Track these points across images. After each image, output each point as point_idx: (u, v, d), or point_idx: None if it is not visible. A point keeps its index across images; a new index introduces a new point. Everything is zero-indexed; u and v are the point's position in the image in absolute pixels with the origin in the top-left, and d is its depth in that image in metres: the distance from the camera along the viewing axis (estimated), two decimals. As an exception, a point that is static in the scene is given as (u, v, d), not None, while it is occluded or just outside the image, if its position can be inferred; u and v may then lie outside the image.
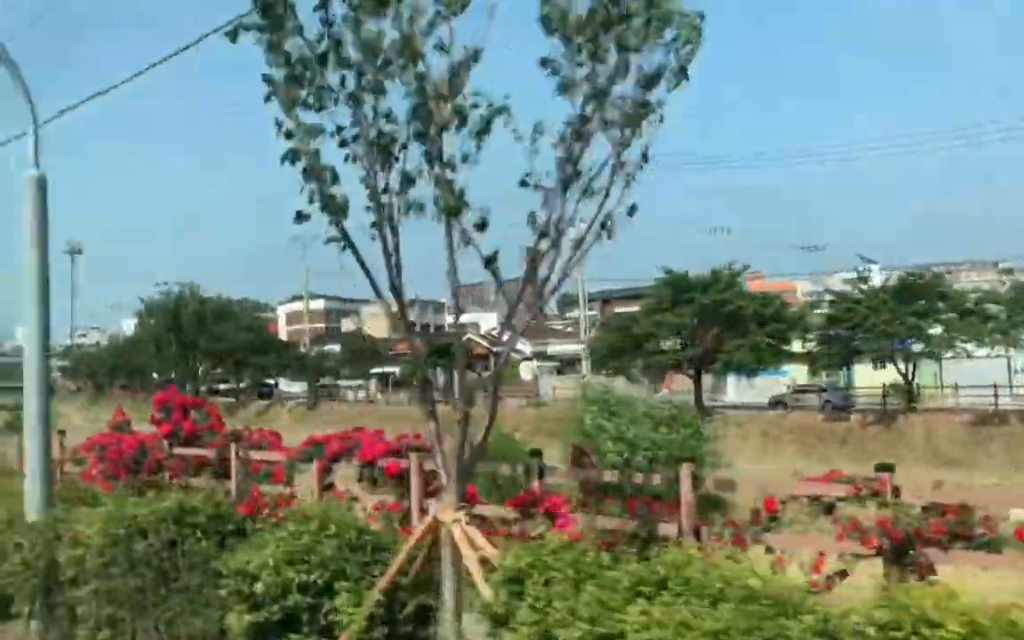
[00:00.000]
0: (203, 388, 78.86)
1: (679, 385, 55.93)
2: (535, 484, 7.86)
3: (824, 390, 41.43)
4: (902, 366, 37.82)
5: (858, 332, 34.75)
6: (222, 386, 78.91)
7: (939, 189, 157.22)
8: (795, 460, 36.04)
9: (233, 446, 10.41)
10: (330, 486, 9.53)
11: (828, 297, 40.06)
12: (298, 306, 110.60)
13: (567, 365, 69.98)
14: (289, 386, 74.85)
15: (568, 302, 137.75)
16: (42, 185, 7.89)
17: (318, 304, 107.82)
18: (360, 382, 69.25)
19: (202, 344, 70.57)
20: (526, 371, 60.25)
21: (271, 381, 76.32)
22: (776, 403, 42.05)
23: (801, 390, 42.16)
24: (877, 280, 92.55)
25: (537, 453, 8.12)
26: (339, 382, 71.39)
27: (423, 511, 8.61)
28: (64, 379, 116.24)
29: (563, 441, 23.01)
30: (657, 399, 54.49)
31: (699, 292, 38.42)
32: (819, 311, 43.82)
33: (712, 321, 38.50)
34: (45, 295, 7.90)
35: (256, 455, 10.37)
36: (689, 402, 42.04)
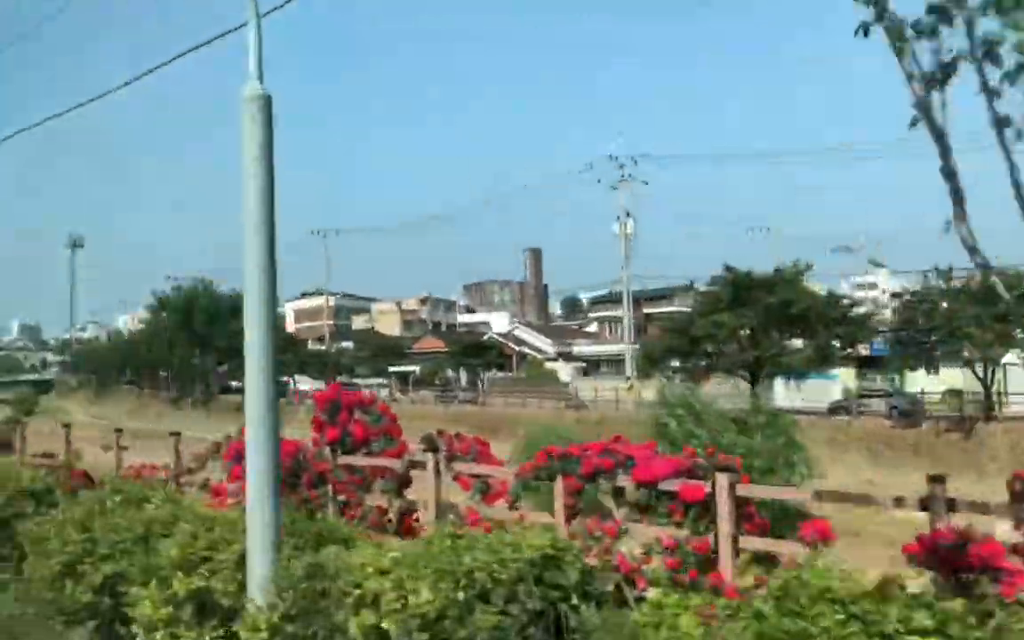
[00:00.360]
0: (215, 386, 76.79)
1: (717, 389, 54.07)
2: (943, 523, 5.83)
3: (891, 395, 39.57)
4: (974, 371, 35.97)
5: (938, 334, 32.84)
6: (233, 384, 76.61)
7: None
8: (865, 469, 34.27)
9: (431, 456, 8.36)
10: (577, 512, 7.48)
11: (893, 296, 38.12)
12: (307, 303, 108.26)
13: (592, 366, 68.10)
14: (302, 384, 72.55)
15: (574, 306, 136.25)
16: (267, 104, 5.83)
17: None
18: (382, 381, 67.05)
19: (217, 341, 68.23)
20: (565, 373, 58.15)
21: (282, 379, 74.11)
22: (836, 408, 40.14)
23: (864, 395, 40.27)
24: (887, 285, 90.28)
25: (939, 480, 6.02)
26: (356, 380, 69.05)
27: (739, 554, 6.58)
28: (64, 374, 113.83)
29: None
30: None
31: (763, 291, 36.51)
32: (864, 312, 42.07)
33: (777, 322, 36.62)
34: (271, 242, 5.82)
35: (461, 466, 8.32)
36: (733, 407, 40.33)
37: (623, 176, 47.07)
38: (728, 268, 38.55)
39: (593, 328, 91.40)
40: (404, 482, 9.13)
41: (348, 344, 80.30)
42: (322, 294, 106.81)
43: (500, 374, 62.03)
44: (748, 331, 37.51)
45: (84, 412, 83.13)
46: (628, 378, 46.82)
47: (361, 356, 70.89)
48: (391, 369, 71.48)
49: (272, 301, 5.93)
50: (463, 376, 70.78)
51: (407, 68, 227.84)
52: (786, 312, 36.03)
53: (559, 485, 7.40)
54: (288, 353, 72.48)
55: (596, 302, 72.39)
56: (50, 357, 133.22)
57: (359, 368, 72.17)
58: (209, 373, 76.32)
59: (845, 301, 38.12)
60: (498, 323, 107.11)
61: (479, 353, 58.00)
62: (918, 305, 34.50)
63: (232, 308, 72.81)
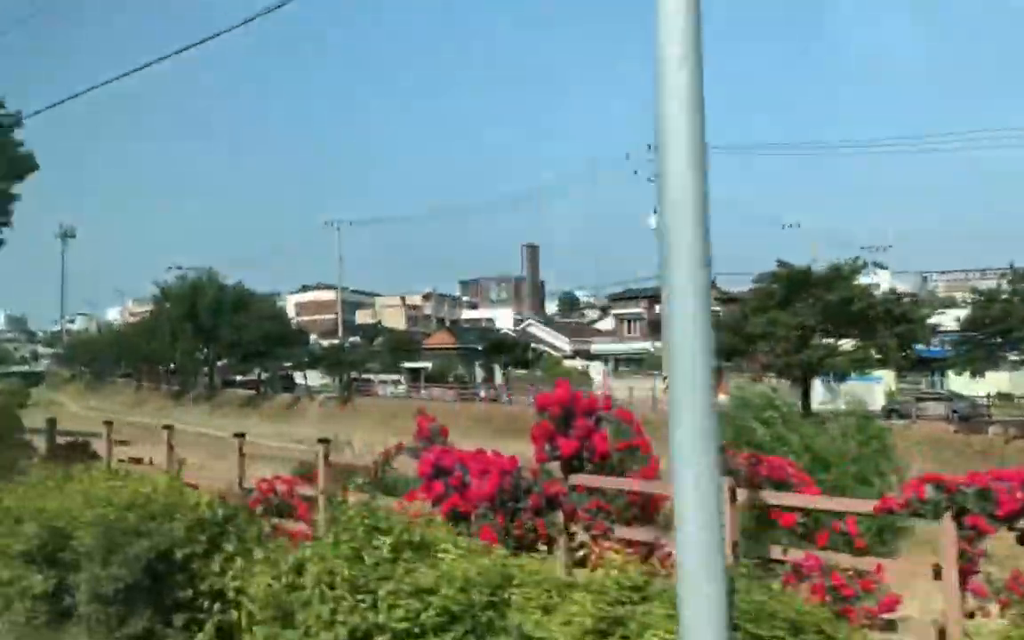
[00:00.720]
0: (218, 380, 74.36)
1: (745, 389, 52.30)
2: None
3: (949, 398, 38.06)
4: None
5: (1012, 335, 31.32)
6: (238, 378, 74.21)
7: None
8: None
9: (725, 481, 6.45)
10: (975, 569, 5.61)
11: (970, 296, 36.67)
12: (308, 296, 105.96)
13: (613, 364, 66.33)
14: (310, 380, 70.11)
15: (572, 304, 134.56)
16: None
17: (329, 295, 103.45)
18: (398, 377, 64.93)
19: (224, 333, 65.79)
20: (596, 372, 56.26)
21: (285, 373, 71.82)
22: (890, 412, 38.55)
23: (921, 398, 38.74)
24: (887, 287, 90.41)
25: None
26: (369, 376, 66.73)
27: None
28: (55, 366, 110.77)
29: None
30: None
31: (820, 288, 34.97)
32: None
33: (835, 320, 35.03)
34: (702, 186, 3.89)
35: (771, 498, 6.43)
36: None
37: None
38: (782, 264, 36.95)
39: (603, 324, 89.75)
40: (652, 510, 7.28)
41: (355, 339, 78.00)
42: (325, 288, 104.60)
43: (521, 372, 60.00)
44: (799, 330, 35.87)
45: (79, 405, 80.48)
46: (664, 377, 44.99)
47: (375, 351, 68.59)
48: (402, 365, 69.34)
49: (706, 294, 3.98)
50: (478, 373, 68.79)
51: (409, 65, 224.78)
52: (846, 310, 34.43)
53: (948, 529, 5.53)
54: (296, 347, 70.38)
55: (614, 299, 70.56)
56: (40, 349, 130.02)
57: (369, 363, 69.92)
58: (212, 367, 73.96)
59: (906, 299, 36.58)
60: (502, 319, 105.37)
61: (503, 350, 55.84)
62: (988, 304, 32.92)
63: (236, 301, 70.48)
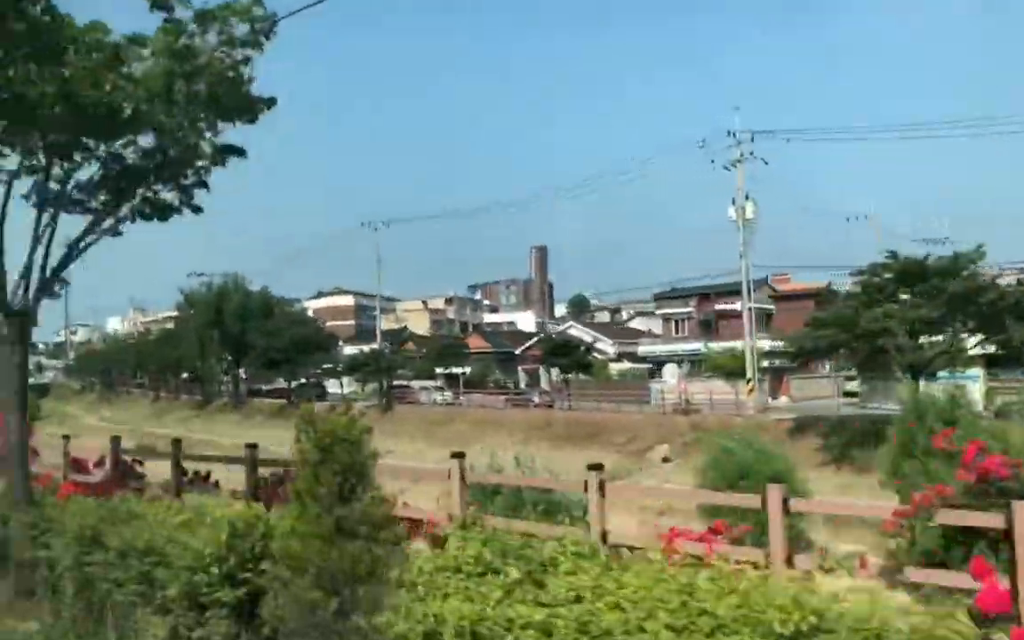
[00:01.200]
0: (243, 389, 71.07)
1: (805, 391, 49.44)
2: None
3: (1081, 397, 35.18)
4: None
5: None
6: (264, 387, 70.81)
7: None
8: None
9: None
10: None
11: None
12: (324, 302, 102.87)
13: (657, 366, 63.42)
14: (343, 387, 66.86)
15: (582, 306, 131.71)
16: None
17: (346, 300, 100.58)
18: (436, 383, 61.81)
19: (253, 340, 62.49)
20: (670, 374, 53.24)
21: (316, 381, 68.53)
22: (996, 413, 35.72)
23: (1047, 397, 35.81)
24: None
25: None
26: (405, 382, 63.55)
27: None
28: (64, 377, 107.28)
29: (900, 464, 16.77)
30: (782, 405, 47.64)
31: (938, 279, 32.10)
32: None
33: (963, 313, 32.18)
34: None
35: None
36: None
37: (740, 155, 42.21)
38: (892, 254, 34.17)
39: (634, 324, 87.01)
40: None
41: (387, 344, 74.93)
42: (341, 293, 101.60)
43: (572, 376, 56.95)
44: (918, 324, 32.98)
45: (94, 417, 77.18)
46: (748, 379, 42.10)
47: (412, 356, 65.46)
48: (437, 371, 66.26)
49: None
50: (521, 377, 65.81)
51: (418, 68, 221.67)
52: (972, 302, 31.57)
53: None
54: (326, 353, 67.31)
55: (660, 298, 67.57)
56: (44, 360, 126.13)
57: (404, 369, 66.77)
58: (236, 375, 70.75)
59: (1032, 288, 33.68)
60: (523, 321, 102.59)
61: (566, 353, 52.67)
62: None
63: (263, 306, 67.30)
